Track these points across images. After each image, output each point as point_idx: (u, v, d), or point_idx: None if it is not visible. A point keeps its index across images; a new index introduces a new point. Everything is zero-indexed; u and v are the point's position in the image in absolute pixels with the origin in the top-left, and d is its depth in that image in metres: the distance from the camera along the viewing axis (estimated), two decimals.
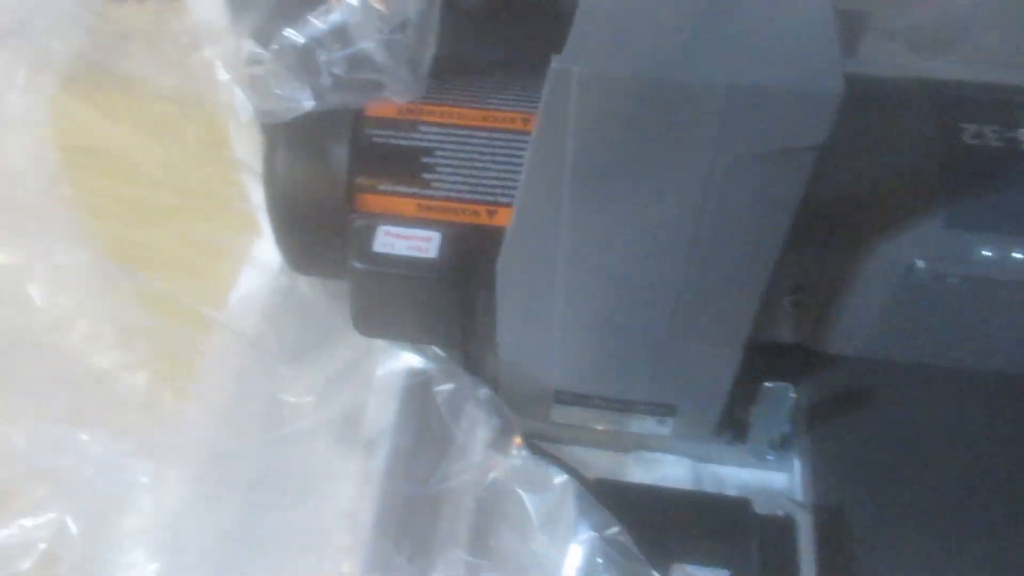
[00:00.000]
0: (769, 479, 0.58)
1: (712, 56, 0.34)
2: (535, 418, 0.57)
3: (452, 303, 0.49)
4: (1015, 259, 0.45)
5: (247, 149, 0.55)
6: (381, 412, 0.52)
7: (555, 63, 0.34)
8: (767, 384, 0.50)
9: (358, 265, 0.47)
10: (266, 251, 0.58)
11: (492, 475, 0.51)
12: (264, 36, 0.46)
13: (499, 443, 0.54)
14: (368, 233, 0.48)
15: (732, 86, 0.34)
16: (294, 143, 0.49)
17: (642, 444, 0.59)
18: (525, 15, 0.48)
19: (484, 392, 0.54)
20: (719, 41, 0.35)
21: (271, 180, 0.50)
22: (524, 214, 0.42)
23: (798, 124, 0.35)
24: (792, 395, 0.49)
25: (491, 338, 0.52)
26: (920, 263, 0.46)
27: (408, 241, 0.48)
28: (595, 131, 0.36)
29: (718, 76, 0.34)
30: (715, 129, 0.35)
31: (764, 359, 0.53)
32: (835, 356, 0.54)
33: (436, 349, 0.55)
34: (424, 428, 0.53)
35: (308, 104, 0.46)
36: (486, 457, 0.53)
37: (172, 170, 0.51)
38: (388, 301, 0.49)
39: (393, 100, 0.48)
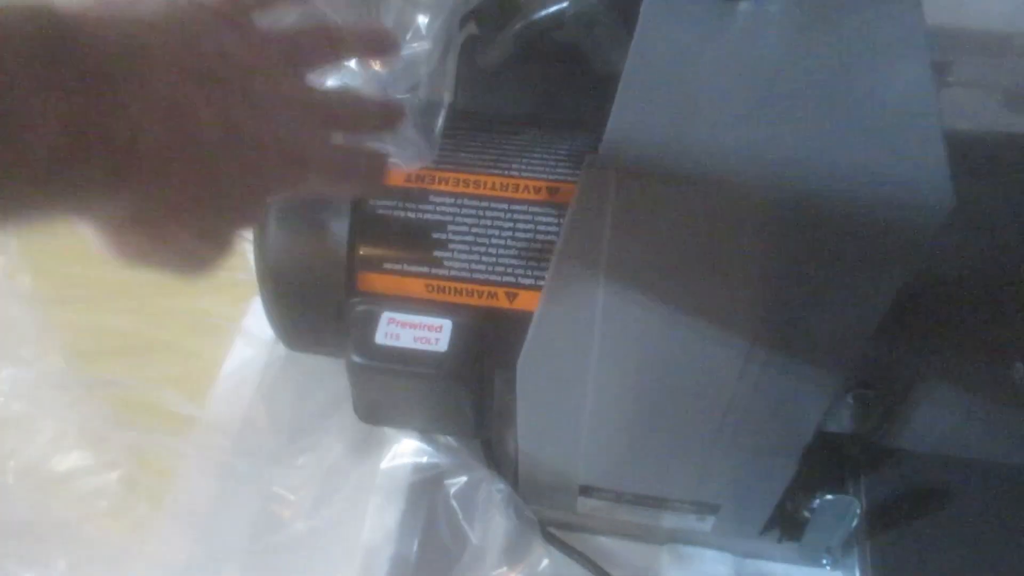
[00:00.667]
0: None
1: (783, 149, 0.28)
2: (558, 508, 0.51)
3: (465, 398, 0.43)
4: None
5: None
6: (385, 512, 0.46)
7: (591, 160, 0.28)
8: (828, 497, 0.43)
9: (358, 360, 0.41)
10: (260, 322, 0.52)
11: None
12: None
13: (520, 546, 0.48)
14: (370, 321, 0.42)
15: (810, 193, 0.27)
16: (288, 214, 0.43)
17: (678, 536, 0.53)
18: (549, 67, 0.42)
19: (502, 487, 0.48)
20: (792, 129, 0.28)
21: (262, 254, 0.44)
22: (552, 311, 0.36)
23: (889, 238, 0.28)
24: (856, 510, 0.43)
25: (509, 427, 0.46)
26: (1020, 369, 0.39)
27: (415, 331, 0.41)
28: (637, 233, 0.30)
29: (791, 178, 0.27)
30: (783, 238, 0.29)
31: (818, 447, 0.46)
32: (899, 450, 0.47)
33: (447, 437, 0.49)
34: (434, 530, 0.47)
35: None
36: (505, 563, 0.47)
37: None
38: (393, 396, 0.43)
39: (401, 167, 0.42)
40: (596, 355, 0.37)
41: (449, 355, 0.41)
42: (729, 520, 0.48)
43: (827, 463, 0.48)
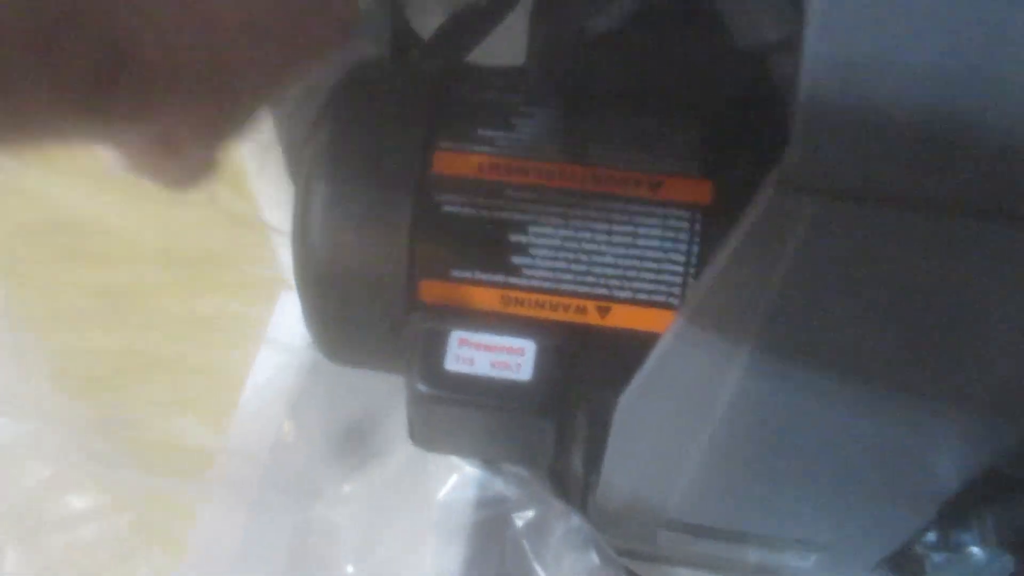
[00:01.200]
0: None
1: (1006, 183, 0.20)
2: (631, 540, 0.45)
3: (549, 431, 0.36)
4: None
5: (269, 201, 0.41)
6: (445, 554, 0.40)
7: (780, 177, 0.21)
8: (974, 549, 0.37)
9: (424, 389, 0.34)
10: (288, 325, 0.45)
11: None
12: None
13: None
14: (437, 342, 0.35)
15: None
16: (336, 208, 0.36)
17: (767, 569, 0.47)
18: (670, 36, 0.34)
19: (576, 521, 0.42)
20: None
21: (304, 254, 0.37)
22: (684, 348, 0.29)
23: None
24: (1011, 571, 0.37)
25: (586, 455, 0.40)
26: None
27: (492, 354, 0.35)
28: (834, 272, 0.23)
29: None
30: (997, 275, 0.22)
31: None
32: None
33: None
34: (501, 570, 0.41)
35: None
36: None
37: (167, 237, 0.37)
38: (462, 427, 0.37)
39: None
40: (730, 399, 0.30)
41: (534, 385, 0.34)
42: (836, 558, 0.42)
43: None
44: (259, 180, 0.42)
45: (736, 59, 0.30)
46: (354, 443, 0.44)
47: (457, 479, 0.42)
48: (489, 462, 0.41)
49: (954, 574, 0.40)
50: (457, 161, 0.35)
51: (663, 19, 0.33)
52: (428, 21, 0.46)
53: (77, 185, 0.38)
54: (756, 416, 0.31)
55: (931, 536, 0.41)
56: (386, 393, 0.44)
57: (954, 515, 0.41)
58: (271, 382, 0.45)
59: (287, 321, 0.47)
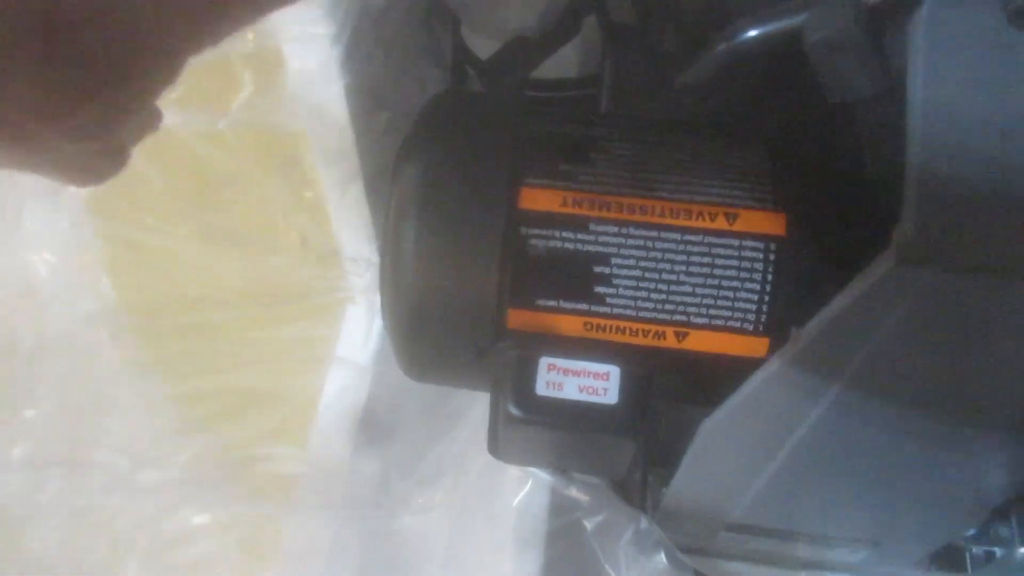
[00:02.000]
0: None
1: None
2: (693, 539, 0.48)
3: (629, 450, 0.38)
4: None
5: (346, 229, 0.43)
6: (522, 558, 0.43)
7: (902, 251, 0.23)
8: (1015, 545, 0.40)
9: (516, 412, 0.37)
10: (354, 342, 0.47)
11: None
12: None
13: None
14: (527, 368, 0.37)
15: None
16: (428, 241, 0.38)
17: (817, 564, 0.50)
18: (756, 90, 0.36)
19: (645, 525, 0.44)
20: None
21: (395, 288, 0.38)
22: (775, 386, 0.31)
23: None
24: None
25: (659, 469, 0.42)
26: None
27: (579, 379, 0.37)
28: (927, 330, 0.25)
29: None
30: None
31: None
32: None
33: None
34: (575, 573, 0.44)
35: None
36: None
37: (245, 279, 0.39)
38: (547, 445, 0.39)
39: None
40: (809, 429, 0.32)
41: (620, 408, 0.36)
42: (884, 554, 0.45)
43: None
44: (338, 210, 0.44)
45: (820, 113, 0.32)
46: (427, 451, 0.47)
47: (531, 485, 0.44)
48: (561, 469, 0.44)
49: (994, 568, 0.43)
50: (543, 197, 0.37)
51: (751, 74, 0.34)
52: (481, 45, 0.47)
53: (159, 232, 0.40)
54: (831, 443, 0.33)
55: (972, 530, 0.44)
56: (458, 405, 0.46)
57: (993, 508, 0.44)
58: (342, 400, 0.48)
59: (354, 339, 0.49)
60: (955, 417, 0.30)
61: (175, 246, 0.37)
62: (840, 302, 0.25)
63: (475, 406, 0.43)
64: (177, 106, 0.35)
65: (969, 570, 0.45)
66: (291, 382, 0.45)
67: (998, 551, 0.43)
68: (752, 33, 0.31)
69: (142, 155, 0.27)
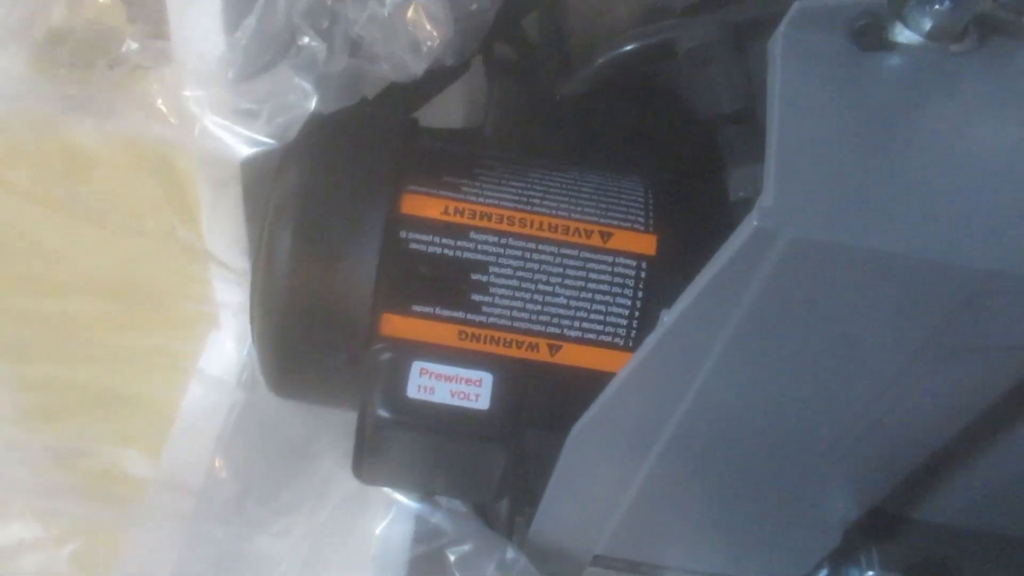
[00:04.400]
0: None
1: (965, 234, 0.25)
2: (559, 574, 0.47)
3: (501, 462, 0.38)
4: None
5: (218, 237, 0.42)
6: None
7: (759, 220, 0.24)
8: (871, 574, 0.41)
9: (385, 414, 0.36)
10: (219, 360, 0.45)
11: None
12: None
13: None
14: (399, 371, 0.36)
15: (993, 272, 0.25)
16: (304, 240, 0.37)
17: None
18: (630, 103, 0.38)
19: (512, 555, 0.43)
20: (970, 217, 0.26)
21: (267, 287, 0.37)
22: (642, 378, 0.32)
23: None
24: None
25: (527, 494, 0.42)
26: None
27: (452, 384, 0.36)
28: (789, 301, 0.27)
29: (977, 259, 0.25)
30: (945, 318, 0.26)
31: None
32: (910, 519, 0.46)
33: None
34: None
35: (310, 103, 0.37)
36: None
37: (106, 266, 0.37)
38: (416, 457, 0.38)
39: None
40: (676, 428, 0.33)
41: (491, 414, 0.36)
42: None
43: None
44: (212, 215, 0.43)
45: (689, 129, 0.34)
46: (290, 478, 0.45)
47: (395, 513, 0.42)
48: (427, 496, 0.43)
49: None
50: (425, 203, 0.38)
51: (624, 89, 0.37)
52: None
53: (17, 205, 0.38)
54: (687, 458, 0.34)
55: (824, 572, 0.45)
56: (321, 430, 0.45)
57: (843, 550, 0.45)
58: (202, 418, 0.45)
59: (219, 358, 0.47)
60: (807, 422, 0.32)
61: (36, 223, 0.35)
62: (706, 274, 0.27)
63: (346, 436, 0.41)
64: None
65: None
66: (148, 388, 0.42)
67: None
68: (629, 47, 0.34)
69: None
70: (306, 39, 0.36)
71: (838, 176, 0.26)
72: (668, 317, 0.29)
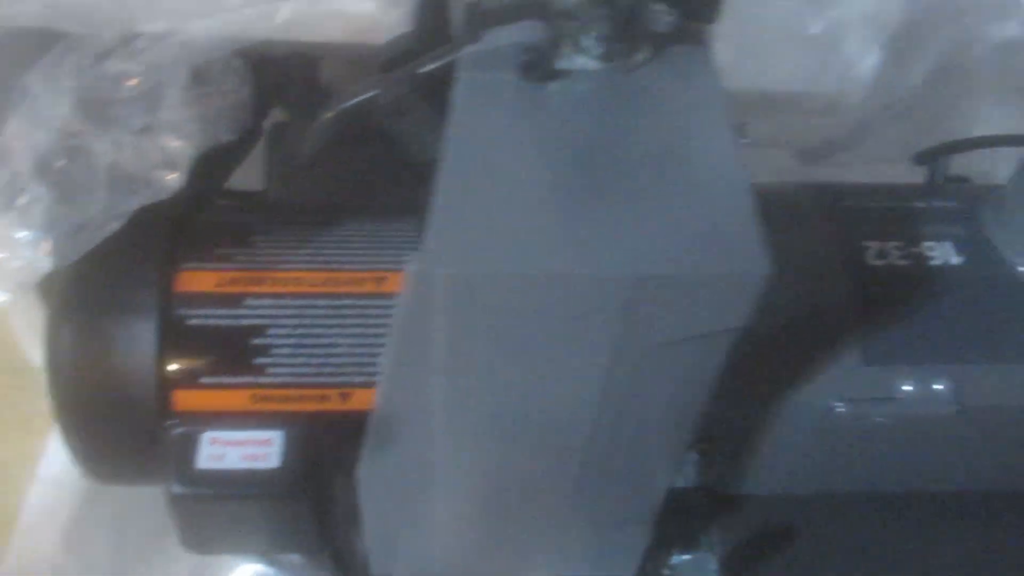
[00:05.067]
0: None
1: (610, 245, 0.27)
2: None
3: (305, 513, 0.39)
4: (936, 391, 0.41)
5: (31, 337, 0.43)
6: None
7: (416, 262, 0.26)
8: (685, 557, 0.43)
9: (177, 489, 0.37)
10: (58, 460, 0.46)
11: None
12: None
13: None
14: (188, 445, 0.38)
15: (640, 277, 0.27)
16: (85, 332, 0.38)
17: None
18: (364, 154, 0.40)
19: None
20: (617, 226, 0.28)
21: (56, 377, 0.39)
22: (388, 411, 0.33)
23: (717, 310, 0.28)
24: (713, 567, 0.43)
25: (355, 533, 0.43)
26: (840, 407, 0.41)
27: (242, 448, 0.38)
28: (472, 328, 0.28)
29: (621, 268, 0.27)
30: (619, 322, 0.28)
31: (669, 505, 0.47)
32: (746, 496, 0.48)
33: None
34: None
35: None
36: None
37: None
38: (225, 522, 0.39)
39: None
40: (440, 448, 0.35)
41: (283, 470, 0.37)
42: None
43: (678, 519, 0.47)
44: (19, 318, 0.44)
45: (416, 170, 0.36)
46: (134, 565, 0.46)
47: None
48: (266, 555, 0.44)
49: None
50: (199, 278, 0.39)
51: (349, 143, 0.38)
52: None
53: None
54: (463, 466, 0.36)
55: (669, 558, 0.47)
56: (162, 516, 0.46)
57: (682, 536, 0.47)
58: (46, 516, 0.46)
59: (58, 457, 0.48)
60: (556, 424, 0.33)
61: None
62: (397, 317, 0.28)
63: None
64: None
65: None
66: None
67: None
68: (344, 106, 0.36)
69: None
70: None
71: (497, 209, 0.28)
72: (383, 360, 0.30)
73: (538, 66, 0.31)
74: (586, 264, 0.27)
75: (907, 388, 0.41)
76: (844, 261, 0.43)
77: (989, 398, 0.41)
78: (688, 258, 0.27)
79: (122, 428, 0.39)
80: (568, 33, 0.32)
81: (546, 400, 0.32)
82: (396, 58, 0.34)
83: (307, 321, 0.39)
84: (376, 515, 0.39)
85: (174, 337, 0.38)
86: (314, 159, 0.38)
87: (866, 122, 0.46)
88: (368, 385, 0.40)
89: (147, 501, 0.46)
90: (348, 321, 0.39)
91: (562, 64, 0.32)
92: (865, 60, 0.44)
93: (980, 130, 0.49)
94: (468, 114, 0.30)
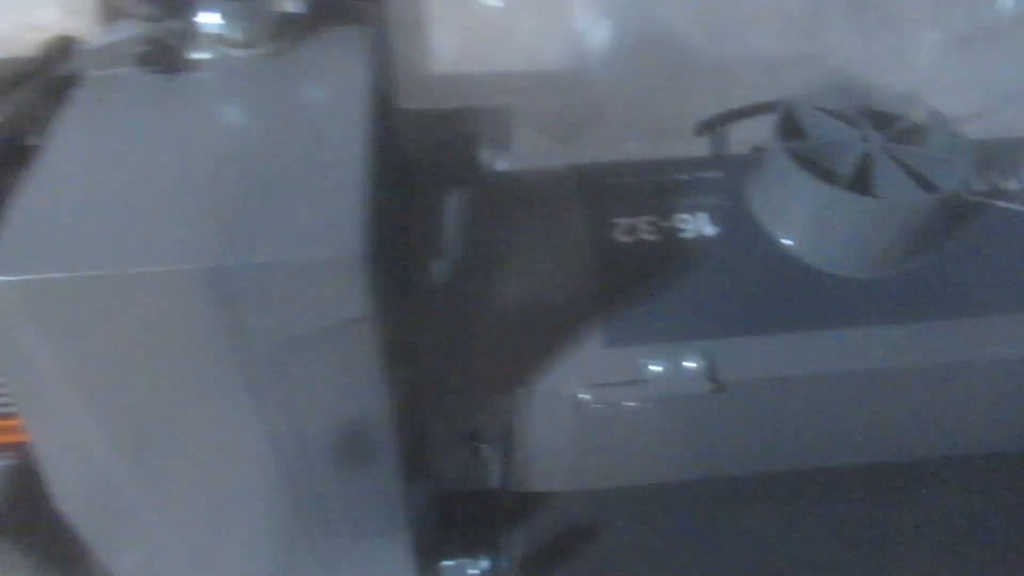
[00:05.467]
0: None
1: (189, 239, 0.26)
2: None
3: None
4: (687, 369, 0.39)
5: None
6: None
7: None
8: (445, 563, 0.41)
9: None
10: None
11: None
12: None
13: None
14: None
15: (223, 268, 0.25)
16: None
17: None
18: None
19: None
20: (205, 220, 0.26)
21: None
22: (41, 435, 0.31)
23: (328, 299, 0.27)
24: (472, 572, 0.41)
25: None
26: (584, 394, 0.39)
27: None
28: (67, 334, 0.27)
29: (193, 261, 0.25)
30: (229, 318, 0.27)
31: (464, 509, 0.45)
32: (540, 494, 0.46)
33: None
34: None
35: None
36: None
37: None
38: None
39: None
40: (128, 470, 0.33)
41: None
42: None
43: (476, 522, 0.46)
44: None
45: None
46: None
47: None
48: None
49: None
50: None
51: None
52: None
53: None
54: (170, 475, 0.34)
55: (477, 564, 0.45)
56: None
57: (483, 541, 0.45)
58: None
59: None
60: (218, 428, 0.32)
61: None
62: None
63: None
64: None
65: None
66: None
67: None
68: None
69: None
70: None
71: (79, 210, 0.26)
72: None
73: (161, 58, 0.30)
74: (156, 261, 0.25)
75: (655, 369, 0.39)
76: (590, 241, 0.41)
77: (746, 372, 0.39)
78: (276, 247, 0.25)
79: None
80: (191, 27, 0.30)
81: (200, 409, 0.30)
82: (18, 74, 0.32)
83: None
84: (103, 538, 0.37)
85: None
86: None
87: (612, 97, 0.45)
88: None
89: None
90: None
91: (199, 53, 0.31)
92: (594, 33, 0.42)
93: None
94: (77, 113, 0.29)
